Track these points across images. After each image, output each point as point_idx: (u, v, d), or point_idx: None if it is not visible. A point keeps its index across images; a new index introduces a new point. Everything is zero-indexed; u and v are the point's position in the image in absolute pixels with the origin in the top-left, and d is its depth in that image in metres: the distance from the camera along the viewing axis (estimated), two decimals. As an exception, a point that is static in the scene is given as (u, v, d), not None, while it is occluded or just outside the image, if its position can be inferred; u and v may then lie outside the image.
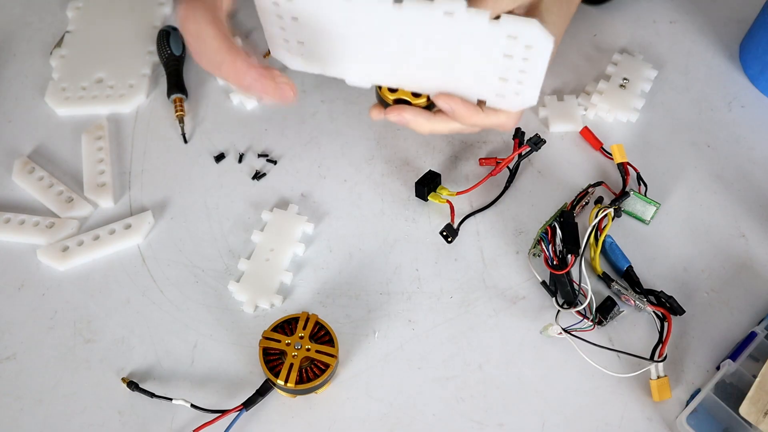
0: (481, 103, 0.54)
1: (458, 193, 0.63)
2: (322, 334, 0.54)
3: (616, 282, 0.58)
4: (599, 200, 0.63)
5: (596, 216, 0.58)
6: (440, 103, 0.54)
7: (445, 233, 0.61)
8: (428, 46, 0.50)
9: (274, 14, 0.51)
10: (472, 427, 0.54)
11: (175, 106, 0.69)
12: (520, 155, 0.64)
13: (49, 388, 0.55)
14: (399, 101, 0.55)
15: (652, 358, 0.54)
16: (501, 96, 0.53)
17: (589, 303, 0.55)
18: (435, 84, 0.53)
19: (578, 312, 0.55)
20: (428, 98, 0.55)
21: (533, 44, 0.47)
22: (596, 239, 0.59)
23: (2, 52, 0.75)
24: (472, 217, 0.63)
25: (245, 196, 0.65)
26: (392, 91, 0.55)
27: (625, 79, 0.70)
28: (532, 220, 0.63)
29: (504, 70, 0.50)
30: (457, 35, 0.49)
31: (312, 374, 0.52)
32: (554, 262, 0.56)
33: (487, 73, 0.51)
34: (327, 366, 0.52)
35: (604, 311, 0.57)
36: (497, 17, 0.47)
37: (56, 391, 0.55)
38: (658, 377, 0.54)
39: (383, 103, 0.56)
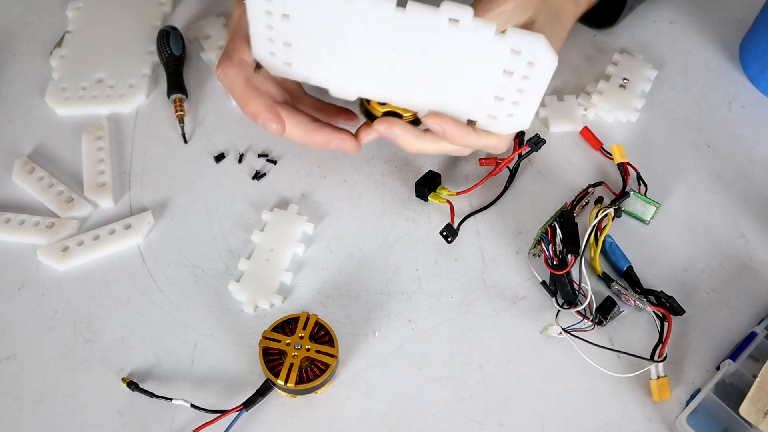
0: (471, 124, 0.53)
1: (458, 193, 0.63)
2: (322, 334, 0.54)
3: (616, 282, 0.58)
4: (599, 200, 0.63)
5: (596, 216, 0.58)
6: (430, 123, 0.52)
7: (445, 233, 0.61)
8: (425, 57, 0.48)
9: (263, 10, 0.49)
10: (472, 427, 0.54)
11: (175, 106, 0.69)
12: (520, 155, 0.64)
13: (49, 388, 0.55)
14: (389, 114, 0.53)
15: (652, 358, 0.54)
16: (493, 117, 0.51)
17: (589, 303, 0.55)
18: (425, 100, 0.52)
19: (578, 312, 0.55)
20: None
21: (536, 61, 0.46)
22: (596, 239, 0.59)
23: (2, 52, 0.75)
24: (472, 217, 0.63)
25: (245, 196, 0.65)
26: (381, 104, 0.53)
27: (625, 79, 0.70)
28: (532, 220, 0.63)
29: (501, 89, 0.49)
30: (458, 46, 0.47)
31: (312, 374, 0.52)
32: (554, 262, 0.56)
33: (482, 90, 0.49)
34: (327, 366, 0.52)
35: (604, 311, 0.57)
36: (502, 31, 0.46)
37: (56, 391, 0.55)
38: (658, 377, 0.54)
39: (369, 117, 0.55)
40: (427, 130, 0.54)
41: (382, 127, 0.53)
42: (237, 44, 0.54)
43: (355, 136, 0.57)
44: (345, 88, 0.53)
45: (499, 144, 0.54)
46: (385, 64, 0.50)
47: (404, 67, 0.50)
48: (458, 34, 0.46)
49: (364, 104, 0.55)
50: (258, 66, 0.54)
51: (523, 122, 0.51)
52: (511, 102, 0.49)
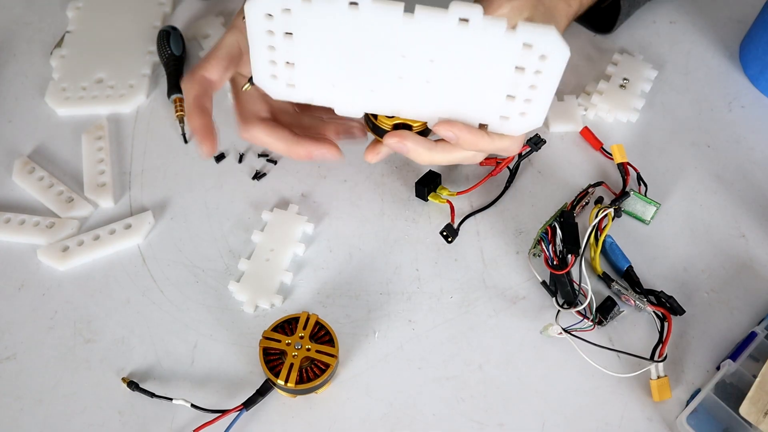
0: (482, 128, 0.52)
1: (458, 193, 0.63)
2: (322, 334, 0.54)
3: (616, 282, 0.58)
4: (599, 200, 0.63)
5: (596, 216, 0.58)
6: (442, 131, 0.51)
7: (445, 233, 0.61)
8: (435, 62, 0.48)
9: (265, 30, 0.47)
10: (472, 427, 0.54)
11: (176, 106, 0.69)
12: (520, 155, 0.64)
13: (49, 388, 0.55)
14: (399, 126, 0.52)
15: (652, 358, 0.54)
16: (505, 118, 0.50)
17: (589, 303, 0.55)
18: (434, 108, 0.51)
19: (578, 312, 0.55)
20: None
21: (549, 53, 0.46)
22: (596, 239, 0.59)
23: (2, 52, 0.75)
24: (472, 217, 0.63)
25: (245, 196, 0.65)
26: (389, 117, 0.52)
27: (625, 79, 0.70)
28: (532, 220, 0.63)
29: (513, 87, 0.48)
30: (469, 47, 0.46)
31: (312, 374, 0.52)
32: (554, 262, 0.56)
33: (494, 90, 0.49)
34: (327, 366, 0.52)
35: (604, 311, 0.57)
36: (512, 27, 0.45)
37: (56, 391, 0.55)
38: (658, 377, 0.54)
39: (377, 131, 0.53)
40: (438, 141, 0.53)
41: (393, 141, 0.52)
42: (205, 61, 0.54)
43: (365, 154, 0.56)
44: (351, 105, 0.52)
45: (512, 146, 0.53)
46: (394, 74, 0.49)
47: (413, 76, 0.49)
48: (469, 34, 0.46)
49: (371, 120, 0.53)
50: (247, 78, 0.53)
51: (537, 120, 0.50)
52: (524, 99, 0.49)
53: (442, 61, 0.48)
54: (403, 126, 0.53)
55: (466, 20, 0.45)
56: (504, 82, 0.48)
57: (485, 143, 0.52)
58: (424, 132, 0.53)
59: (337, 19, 0.46)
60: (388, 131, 0.52)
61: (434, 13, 0.45)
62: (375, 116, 0.53)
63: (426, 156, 0.53)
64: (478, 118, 0.51)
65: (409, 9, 0.45)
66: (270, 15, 0.46)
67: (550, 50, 0.46)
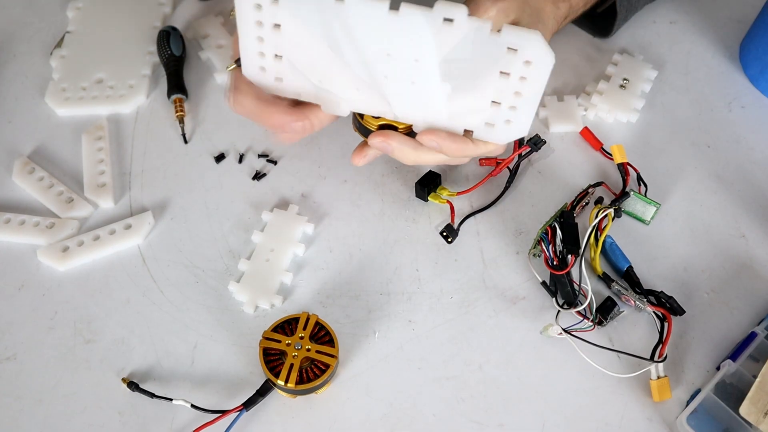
0: (467, 133, 0.52)
1: (458, 194, 0.63)
2: (323, 335, 0.54)
3: (617, 282, 0.58)
4: (599, 200, 0.63)
5: (596, 216, 0.58)
6: (426, 140, 0.51)
7: (445, 233, 0.61)
8: (420, 62, 0.47)
9: (253, 20, 0.48)
10: (472, 427, 0.54)
11: (176, 107, 0.69)
12: (520, 155, 0.64)
13: (49, 388, 0.55)
14: (384, 127, 0.52)
15: (652, 359, 0.54)
16: (490, 125, 0.50)
17: (589, 303, 0.55)
18: (419, 111, 0.51)
19: (578, 312, 0.55)
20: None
21: (533, 59, 0.45)
22: (596, 239, 0.59)
23: (2, 52, 0.75)
24: (472, 218, 0.63)
25: (245, 197, 0.65)
26: (376, 117, 0.52)
27: (625, 79, 0.70)
28: (532, 220, 0.63)
29: (498, 92, 0.48)
30: (453, 48, 0.46)
31: (312, 374, 0.52)
32: (554, 263, 0.56)
33: (479, 95, 0.49)
34: (327, 366, 0.52)
35: (604, 311, 0.57)
36: (497, 30, 0.45)
37: (56, 391, 0.55)
38: (658, 377, 0.54)
39: (363, 131, 0.53)
40: None
41: (378, 141, 0.52)
42: (241, 76, 0.53)
43: (352, 157, 0.56)
44: (337, 103, 0.52)
45: (497, 149, 0.54)
46: (379, 73, 0.49)
47: (398, 76, 0.49)
48: (453, 35, 0.46)
49: (357, 119, 0.53)
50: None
51: (522, 129, 0.50)
52: (509, 106, 0.49)
53: (427, 62, 0.47)
54: (389, 126, 0.52)
55: (450, 20, 0.45)
56: (489, 86, 0.48)
57: (470, 150, 0.52)
58: (410, 133, 0.53)
59: (322, 12, 0.46)
60: (373, 131, 0.52)
61: (419, 11, 0.45)
62: (362, 116, 0.53)
63: (412, 156, 0.53)
64: (462, 124, 0.51)
65: (396, 6, 0.45)
66: (259, 5, 0.47)
67: (535, 56, 0.45)
